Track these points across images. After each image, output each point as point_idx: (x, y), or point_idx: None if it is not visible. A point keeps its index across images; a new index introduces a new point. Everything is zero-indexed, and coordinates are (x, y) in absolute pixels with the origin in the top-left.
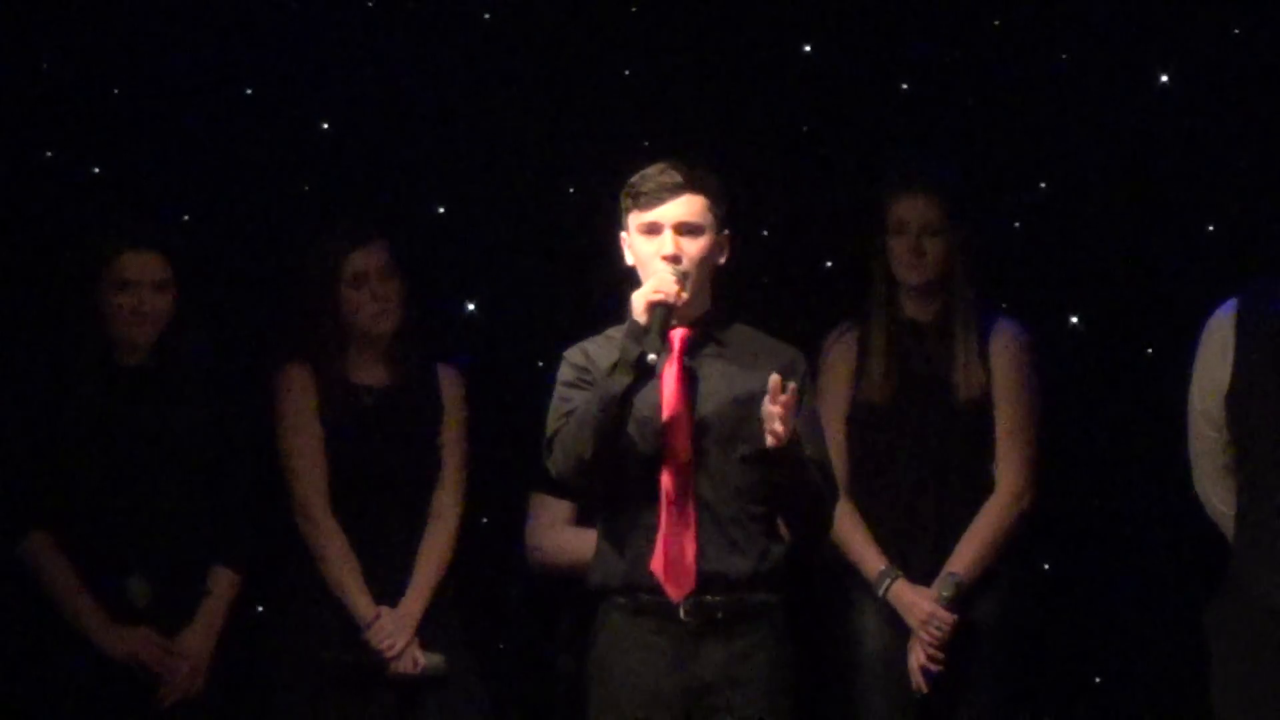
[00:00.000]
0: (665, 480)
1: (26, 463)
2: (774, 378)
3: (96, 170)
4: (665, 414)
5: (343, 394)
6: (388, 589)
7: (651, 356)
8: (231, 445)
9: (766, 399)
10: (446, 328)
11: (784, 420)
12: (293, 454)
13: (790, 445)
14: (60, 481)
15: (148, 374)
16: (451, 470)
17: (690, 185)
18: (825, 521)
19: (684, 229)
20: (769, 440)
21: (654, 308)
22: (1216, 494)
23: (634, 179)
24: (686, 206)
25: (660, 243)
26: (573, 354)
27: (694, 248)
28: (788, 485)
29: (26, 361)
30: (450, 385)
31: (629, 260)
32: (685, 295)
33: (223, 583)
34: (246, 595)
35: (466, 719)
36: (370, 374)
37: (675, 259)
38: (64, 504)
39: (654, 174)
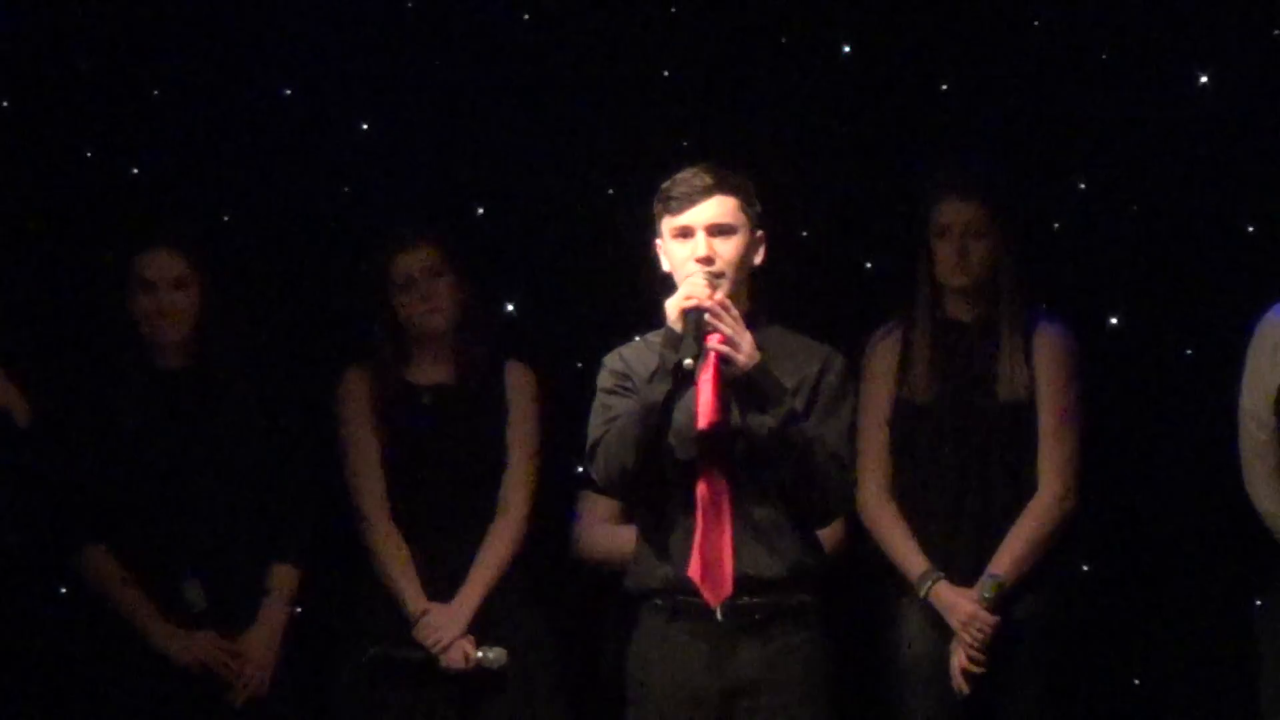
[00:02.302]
0: (702, 486)
1: (74, 477)
2: (718, 299)
3: (128, 173)
4: (701, 421)
5: (402, 395)
6: (452, 585)
7: (688, 362)
8: (285, 442)
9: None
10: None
11: (730, 335)
12: (351, 458)
13: (763, 378)
14: (109, 492)
15: (188, 376)
16: (517, 466)
17: (720, 186)
18: (828, 511)
19: (716, 230)
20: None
21: (687, 314)
22: (1267, 495)
23: (664, 185)
24: (718, 208)
25: (693, 245)
26: (611, 360)
27: (728, 249)
28: (786, 457)
29: (67, 375)
30: (518, 381)
31: (664, 267)
32: (719, 297)
33: (283, 580)
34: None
35: (525, 716)
36: (431, 373)
37: (708, 260)
38: (115, 514)
39: (684, 178)
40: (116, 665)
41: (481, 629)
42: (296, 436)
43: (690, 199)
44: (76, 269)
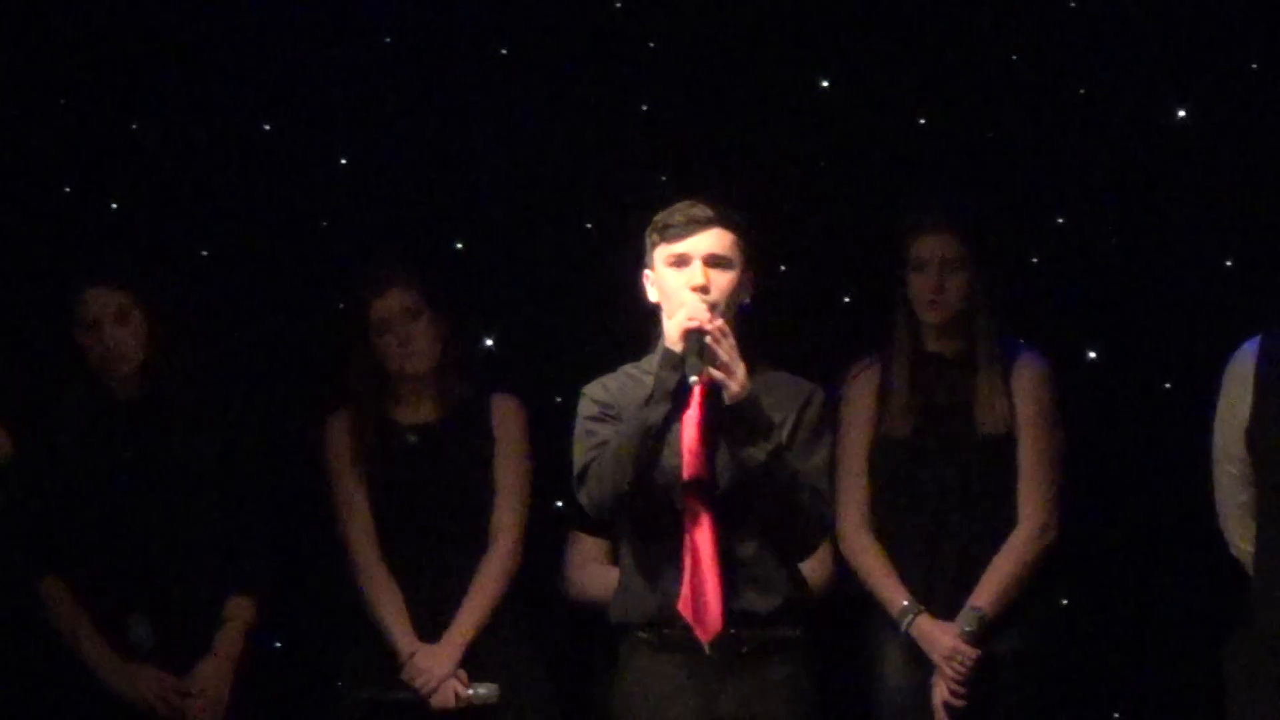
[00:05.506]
0: (689, 525)
1: (31, 508)
2: (718, 324)
3: (77, 206)
4: (686, 459)
5: (386, 436)
6: (441, 623)
7: (693, 379)
8: (243, 473)
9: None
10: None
11: (726, 362)
12: (338, 504)
13: (753, 409)
14: (63, 524)
15: (139, 408)
16: (505, 499)
17: (720, 220)
18: (807, 545)
19: (713, 261)
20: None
21: (689, 334)
22: (1238, 532)
23: (661, 214)
24: (716, 240)
25: (689, 274)
26: (593, 389)
27: (723, 280)
28: (771, 490)
29: (22, 406)
30: (504, 414)
31: (652, 298)
32: (718, 323)
33: (239, 611)
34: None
35: None
36: (416, 412)
37: (704, 290)
38: (69, 546)
39: (683, 208)
40: (68, 699)
41: (473, 665)
42: (255, 469)
43: (690, 228)
44: (28, 303)
